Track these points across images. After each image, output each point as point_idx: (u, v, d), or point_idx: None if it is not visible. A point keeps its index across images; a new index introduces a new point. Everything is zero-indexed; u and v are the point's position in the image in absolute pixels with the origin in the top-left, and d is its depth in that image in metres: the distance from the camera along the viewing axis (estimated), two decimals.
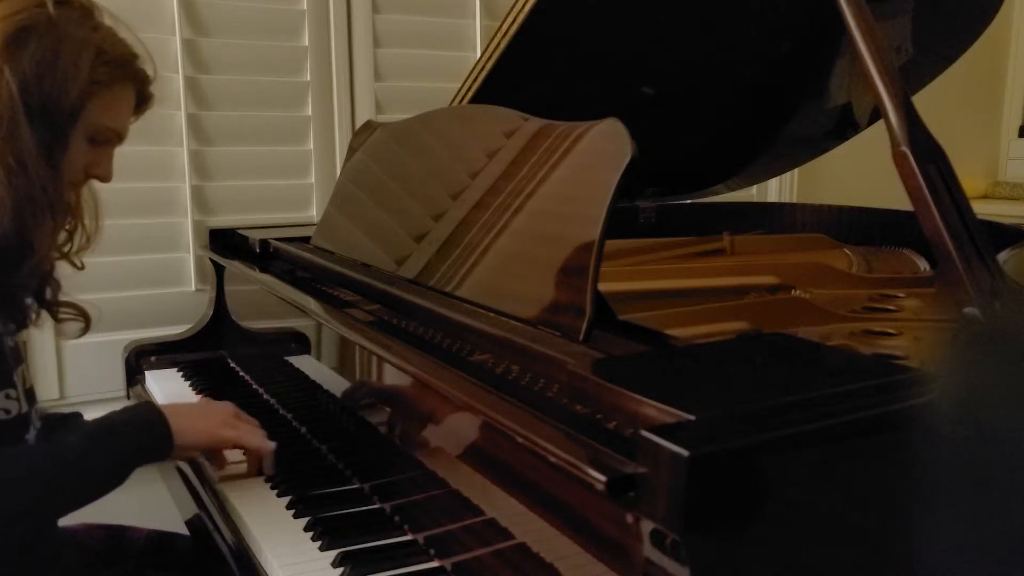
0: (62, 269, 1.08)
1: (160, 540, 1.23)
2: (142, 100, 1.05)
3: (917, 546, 0.62)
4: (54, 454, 0.92)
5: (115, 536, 1.20)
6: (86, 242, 1.06)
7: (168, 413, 1.00)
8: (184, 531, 1.18)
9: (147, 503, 1.04)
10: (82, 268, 1.09)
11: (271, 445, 1.07)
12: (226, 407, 1.10)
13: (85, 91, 0.94)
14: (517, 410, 0.71)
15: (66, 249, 1.05)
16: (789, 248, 1.46)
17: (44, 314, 1.07)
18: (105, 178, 1.04)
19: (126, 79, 1.00)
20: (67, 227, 1.04)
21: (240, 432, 1.06)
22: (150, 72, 1.04)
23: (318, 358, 1.20)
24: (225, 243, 1.66)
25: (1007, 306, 0.80)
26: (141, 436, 0.98)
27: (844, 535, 0.61)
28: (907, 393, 0.64)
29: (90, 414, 1.21)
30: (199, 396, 1.41)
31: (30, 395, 1.01)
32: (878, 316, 1.07)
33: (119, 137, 1.04)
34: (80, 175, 1.01)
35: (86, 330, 1.11)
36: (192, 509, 1.10)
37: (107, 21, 1.00)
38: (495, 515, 0.78)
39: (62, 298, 1.07)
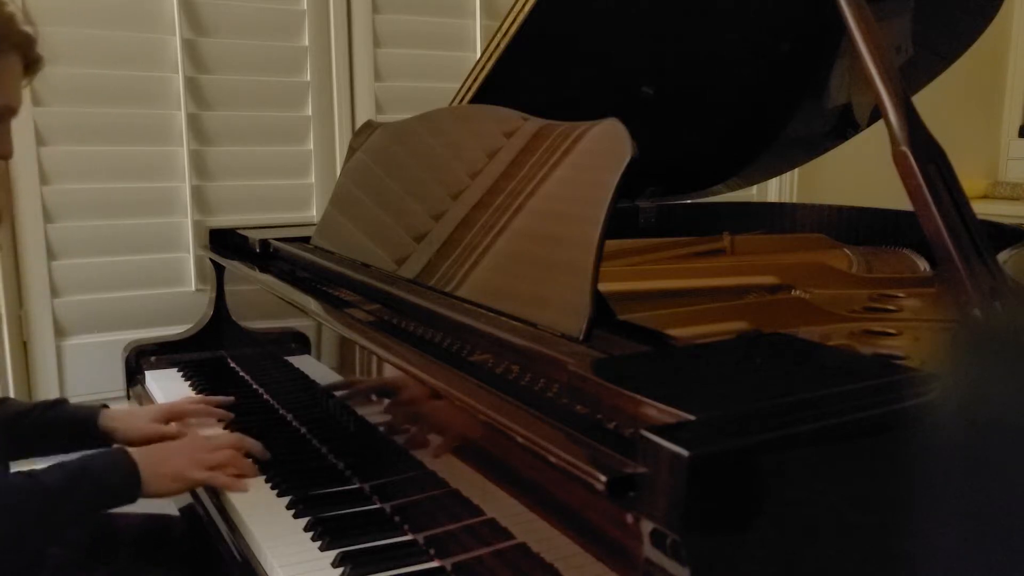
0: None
1: (153, 528, 1.22)
2: (30, 64, 0.98)
3: (917, 546, 0.62)
4: (33, 490, 0.91)
5: (105, 526, 1.20)
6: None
7: (140, 460, 0.99)
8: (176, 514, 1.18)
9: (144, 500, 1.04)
10: None
11: (243, 485, 1.05)
12: (193, 444, 1.09)
13: None
14: (517, 410, 0.71)
15: None
16: (789, 248, 1.46)
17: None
18: (4, 155, 0.99)
19: (5, 47, 0.94)
20: None
21: (210, 474, 1.04)
22: (31, 32, 0.97)
23: (318, 358, 1.20)
24: (225, 243, 1.66)
25: (1007, 306, 0.80)
26: (113, 482, 0.98)
27: (844, 535, 0.61)
28: (907, 393, 0.64)
29: None
30: (199, 396, 1.41)
31: None
32: (878, 316, 1.06)
33: (10, 110, 0.98)
34: None
35: None
36: (186, 499, 1.11)
37: None
38: (495, 515, 0.78)
39: None
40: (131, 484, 0.98)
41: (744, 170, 1.75)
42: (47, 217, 1.73)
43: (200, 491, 1.09)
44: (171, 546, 1.20)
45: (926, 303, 1.12)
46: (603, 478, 0.58)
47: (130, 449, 1.02)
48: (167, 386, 1.51)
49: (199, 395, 1.39)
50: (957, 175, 0.85)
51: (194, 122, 1.84)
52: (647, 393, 0.62)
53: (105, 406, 1.21)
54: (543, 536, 0.70)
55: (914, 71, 1.48)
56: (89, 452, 1.07)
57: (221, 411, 1.28)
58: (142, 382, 1.57)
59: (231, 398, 1.31)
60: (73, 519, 0.95)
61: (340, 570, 0.85)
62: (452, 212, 1.10)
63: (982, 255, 0.82)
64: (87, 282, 1.78)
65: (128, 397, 1.60)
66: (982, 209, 1.26)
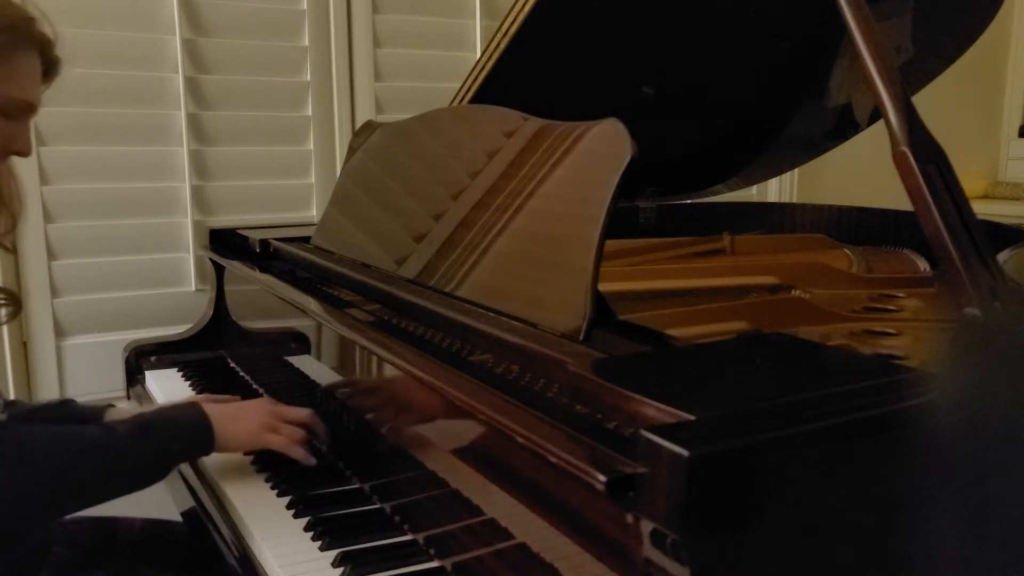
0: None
1: (155, 531, 1.23)
2: (49, 66, 1.00)
3: (917, 546, 0.62)
4: (107, 438, 0.94)
5: (107, 528, 1.20)
6: (12, 224, 1.04)
7: (212, 415, 1.02)
8: (178, 519, 1.18)
9: (142, 499, 1.04)
10: (13, 251, 1.07)
11: (312, 460, 1.07)
12: (267, 408, 1.10)
13: None
14: (517, 410, 0.71)
15: None
16: (789, 248, 1.46)
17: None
18: (23, 152, 1.00)
19: (25, 45, 0.95)
20: None
21: (283, 440, 1.06)
22: (50, 34, 0.98)
23: (318, 358, 1.20)
24: (225, 243, 1.66)
25: (1007, 306, 0.80)
26: (186, 433, 1.01)
27: (844, 535, 0.61)
28: (907, 393, 0.64)
29: None
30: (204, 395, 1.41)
31: None
32: (878, 316, 1.07)
33: (31, 108, 0.99)
34: None
35: (16, 315, 1.09)
36: (188, 503, 1.10)
37: None
38: (495, 515, 0.78)
39: None
40: (204, 437, 1.00)
41: (744, 170, 1.75)
42: (47, 217, 1.73)
43: (201, 491, 1.09)
44: (172, 550, 1.20)
45: (926, 303, 1.12)
46: (603, 478, 0.58)
47: (204, 405, 1.04)
48: (167, 386, 1.51)
49: (204, 394, 1.39)
50: (957, 175, 0.85)
51: (194, 122, 1.84)
52: (647, 393, 0.62)
53: (111, 405, 1.21)
54: (543, 536, 0.70)
55: (914, 71, 1.48)
56: (165, 405, 1.08)
57: None
58: (142, 382, 1.57)
59: (237, 396, 1.31)
60: (143, 471, 0.96)
61: (340, 570, 0.85)
62: (452, 212, 1.10)
63: (982, 255, 0.82)
64: (87, 282, 1.78)
65: (128, 397, 1.60)
66: (982, 209, 1.26)
